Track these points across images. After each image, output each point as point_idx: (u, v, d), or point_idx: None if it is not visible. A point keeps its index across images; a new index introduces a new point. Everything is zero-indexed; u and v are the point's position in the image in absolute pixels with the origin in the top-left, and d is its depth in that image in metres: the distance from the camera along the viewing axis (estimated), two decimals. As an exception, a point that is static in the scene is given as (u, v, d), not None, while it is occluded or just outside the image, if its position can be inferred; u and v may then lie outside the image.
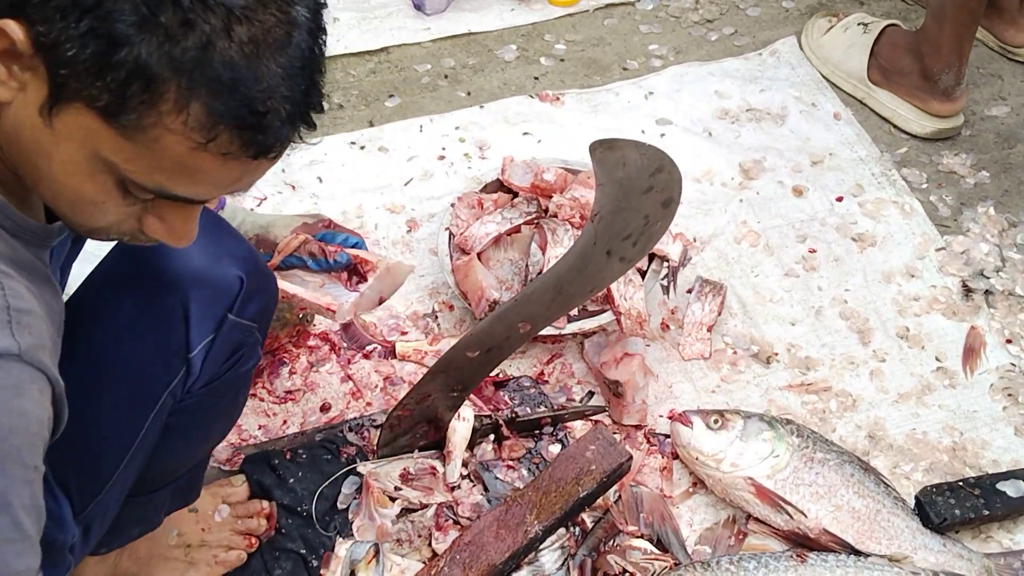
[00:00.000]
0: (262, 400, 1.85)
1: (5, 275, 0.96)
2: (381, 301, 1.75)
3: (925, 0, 2.44)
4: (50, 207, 1.02)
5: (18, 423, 0.92)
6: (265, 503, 1.69)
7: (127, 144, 0.91)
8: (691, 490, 1.80)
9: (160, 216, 1.00)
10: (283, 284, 1.62)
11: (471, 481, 1.73)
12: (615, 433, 1.80)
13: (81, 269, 1.34)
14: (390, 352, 1.93)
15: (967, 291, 2.10)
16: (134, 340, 1.26)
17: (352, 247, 1.76)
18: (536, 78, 2.49)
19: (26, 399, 0.93)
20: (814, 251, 2.16)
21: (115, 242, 1.35)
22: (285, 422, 1.83)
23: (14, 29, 0.87)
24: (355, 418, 1.82)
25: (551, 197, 2.04)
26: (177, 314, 1.27)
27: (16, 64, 0.90)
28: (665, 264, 2.00)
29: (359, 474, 1.72)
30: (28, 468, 0.93)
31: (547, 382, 1.90)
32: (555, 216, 2.01)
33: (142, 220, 1.01)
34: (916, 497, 1.75)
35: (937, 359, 2.00)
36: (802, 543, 1.70)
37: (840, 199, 2.26)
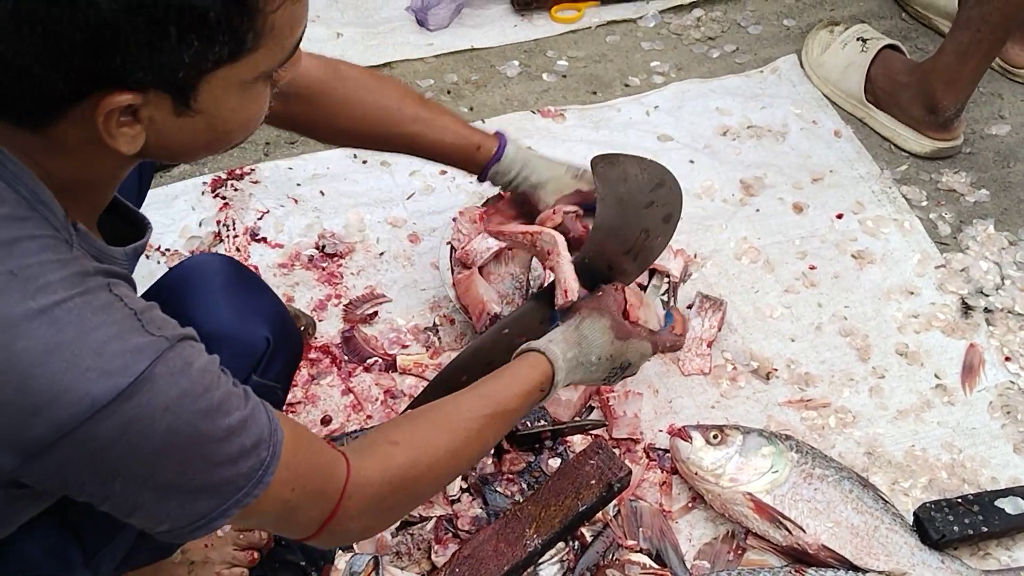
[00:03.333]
0: (263, 412, 1.85)
1: (113, 285, 1.00)
2: None
3: (951, 26, 2.36)
4: (220, 151, 1.10)
5: (203, 383, 0.99)
6: None
7: (258, 52, 0.97)
8: (690, 505, 1.80)
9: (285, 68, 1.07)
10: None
11: (471, 494, 1.73)
12: (614, 447, 1.80)
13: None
14: (391, 365, 1.93)
15: (966, 309, 2.11)
16: None
17: None
18: (538, 94, 2.50)
19: (194, 367, 0.99)
20: (814, 268, 2.16)
21: (142, 294, 1.38)
22: (286, 434, 1.83)
23: (122, 97, 0.92)
24: (356, 431, 1.82)
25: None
26: None
27: (139, 111, 0.95)
28: (666, 279, 2.01)
29: (359, 486, 1.72)
30: (227, 383, 1.03)
31: (547, 396, 1.91)
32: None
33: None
34: (915, 513, 1.75)
35: (936, 376, 2.01)
36: (801, 559, 1.71)
37: (840, 216, 2.27)
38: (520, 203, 1.73)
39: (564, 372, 1.43)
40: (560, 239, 1.61)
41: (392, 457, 1.22)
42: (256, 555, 1.65)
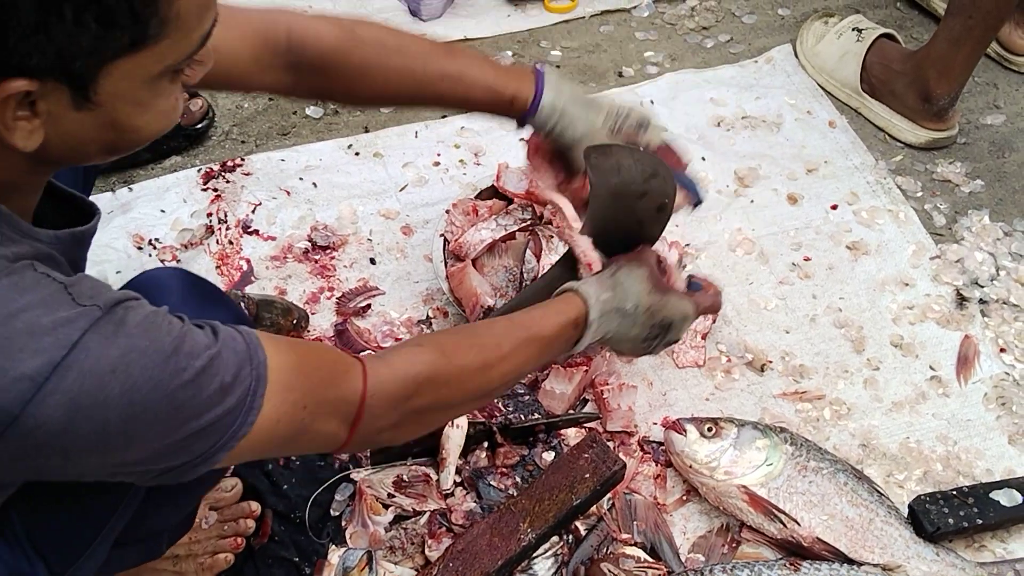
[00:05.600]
0: (255, 406, 1.84)
1: (37, 263, 0.97)
2: None
3: (944, 19, 2.35)
4: (123, 154, 1.04)
5: (144, 335, 0.96)
6: (255, 504, 1.68)
7: (163, 43, 0.93)
8: (684, 498, 1.79)
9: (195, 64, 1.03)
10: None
11: (464, 488, 1.73)
12: (608, 441, 1.79)
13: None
14: (384, 358, 1.92)
15: (961, 300, 2.10)
16: None
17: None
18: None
19: (135, 324, 0.96)
20: (809, 259, 2.16)
21: None
22: (278, 428, 1.83)
23: (17, 83, 0.89)
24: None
25: (546, 204, 2.03)
26: None
27: (37, 104, 0.92)
28: (660, 271, 2.00)
29: (352, 481, 1.72)
30: (182, 326, 1.00)
31: (541, 389, 1.90)
32: (550, 223, 2.01)
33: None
34: (909, 506, 1.75)
35: (931, 368, 2.00)
36: (795, 552, 1.70)
37: (835, 207, 2.26)
38: (556, 155, 1.68)
39: (598, 312, 1.41)
40: (572, 211, 1.61)
41: (416, 355, 1.21)
42: (240, 541, 1.64)
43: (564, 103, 1.60)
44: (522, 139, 1.69)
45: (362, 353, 1.18)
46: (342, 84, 1.51)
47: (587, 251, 1.55)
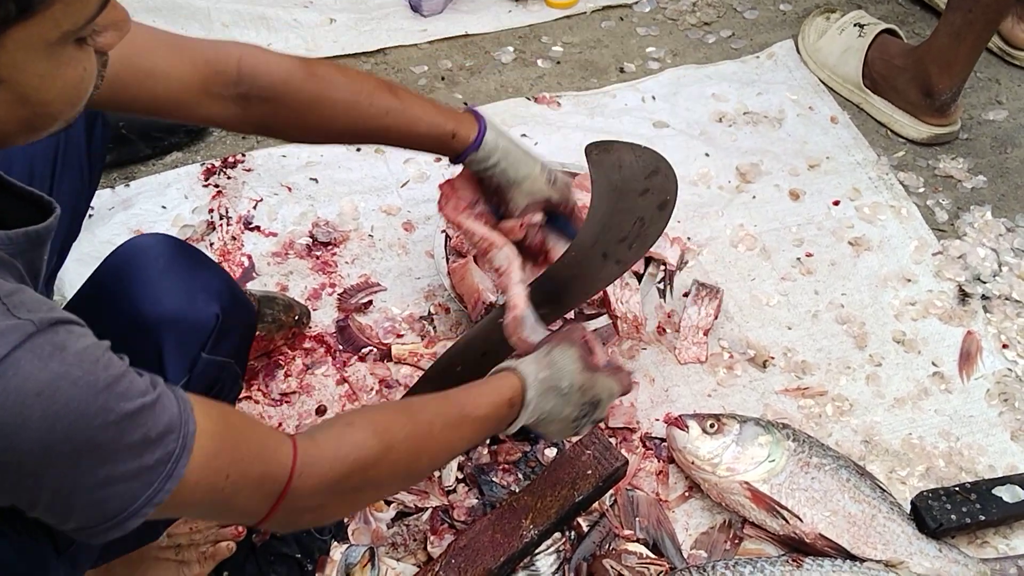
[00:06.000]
0: (257, 403, 1.84)
1: None
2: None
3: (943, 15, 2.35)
4: (46, 131, 1.00)
5: (86, 366, 0.92)
6: None
7: (55, 7, 0.88)
8: (687, 494, 1.79)
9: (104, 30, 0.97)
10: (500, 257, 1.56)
11: (467, 485, 1.73)
12: (610, 437, 1.79)
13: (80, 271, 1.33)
14: (386, 354, 1.92)
15: (964, 296, 2.10)
16: None
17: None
18: (533, 80, 2.49)
19: (69, 351, 0.93)
20: (811, 255, 2.15)
21: (87, 280, 1.33)
22: (281, 424, 1.83)
23: None
24: (350, 421, 1.81)
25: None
26: (150, 357, 1.23)
27: None
28: (662, 268, 2.00)
29: (354, 477, 1.71)
30: (122, 366, 0.96)
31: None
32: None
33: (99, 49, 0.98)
34: (912, 502, 1.75)
35: (933, 364, 2.00)
36: (798, 548, 1.70)
37: (837, 203, 2.26)
38: (491, 195, 1.64)
39: (535, 391, 1.39)
40: (515, 259, 1.56)
41: (347, 435, 1.18)
42: (242, 529, 1.64)
43: (506, 144, 1.60)
44: (440, 184, 1.65)
45: (296, 432, 1.14)
46: (290, 115, 1.49)
47: (518, 302, 1.52)
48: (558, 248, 1.61)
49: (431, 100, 1.62)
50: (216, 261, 1.40)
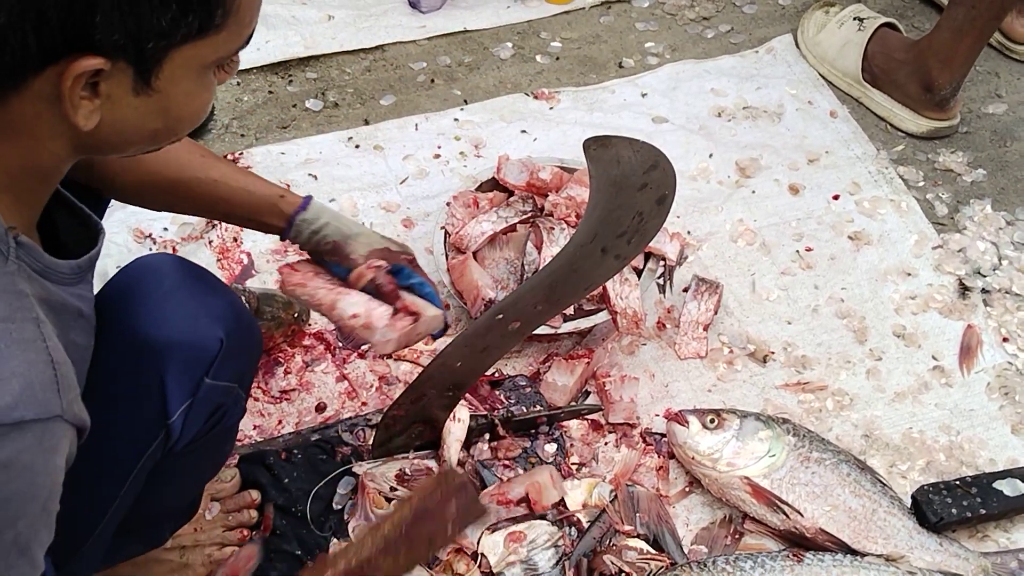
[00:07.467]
0: (257, 400, 1.84)
1: (43, 323, 0.96)
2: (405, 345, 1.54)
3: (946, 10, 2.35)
4: (160, 146, 1.06)
5: (52, 479, 0.95)
6: (255, 492, 1.69)
7: (222, 34, 0.96)
8: (687, 489, 1.79)
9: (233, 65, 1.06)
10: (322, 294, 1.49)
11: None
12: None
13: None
14: (385, 351, 1.92)
15: (964, 289, 2.10)
16: (111, 410, 1.19)
17: (423, 296, 1.53)
18: (532, 76, 2.48)
19: (59, 455, 0.95)
20: (810, 249, 2.15)
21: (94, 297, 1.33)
22: (280, 422, 1.83)
23: (93, 61, 0.90)
24: (350, 418, 1.81)
25: (547, 196, 2.03)
26: (154, 383, 1.23)
27: (99, 85, 0.93)
28: (661, 263, 2.00)
29: (355, 474, 1.71)
30: (51, 513, 0.97)
31: (543, 381, 1.90)
32: (551, 215, 2.00)
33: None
34: (913, 496, 1.75)
35: (934, 358, 2.00)
36: (798, 543, 1.70)
37: (836, 197, 2.25)
38: (329, 254, 1.52)
39: None
40: (370, 300, 1.48)
41: None
42: (246, 533, 1.64)
43: (332, 210, 1.52)
44: (279, 268, 1.57)
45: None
46: (112, 167, 1.38)
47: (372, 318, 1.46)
48: (413, 300, 1.51)
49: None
50: (225, 282, 1.37)
